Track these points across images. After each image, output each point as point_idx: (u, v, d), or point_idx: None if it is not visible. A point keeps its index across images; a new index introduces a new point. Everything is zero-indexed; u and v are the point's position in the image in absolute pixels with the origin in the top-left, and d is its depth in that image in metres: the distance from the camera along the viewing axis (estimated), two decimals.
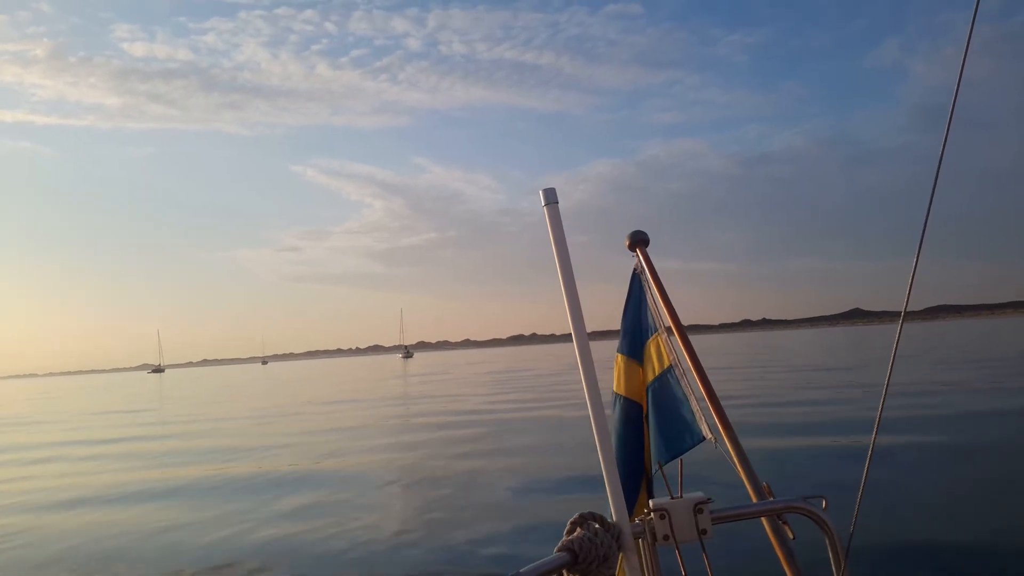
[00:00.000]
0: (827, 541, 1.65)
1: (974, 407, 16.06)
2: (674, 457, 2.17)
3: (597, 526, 1.54)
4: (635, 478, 2.39)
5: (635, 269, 2.55)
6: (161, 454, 16.75)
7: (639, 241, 2.54)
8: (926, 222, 1.57)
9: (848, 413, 16.36)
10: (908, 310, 1.56)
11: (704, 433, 2.17)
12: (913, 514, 7.67)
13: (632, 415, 2.43)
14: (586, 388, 1.65)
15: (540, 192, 1.72)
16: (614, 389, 2.53)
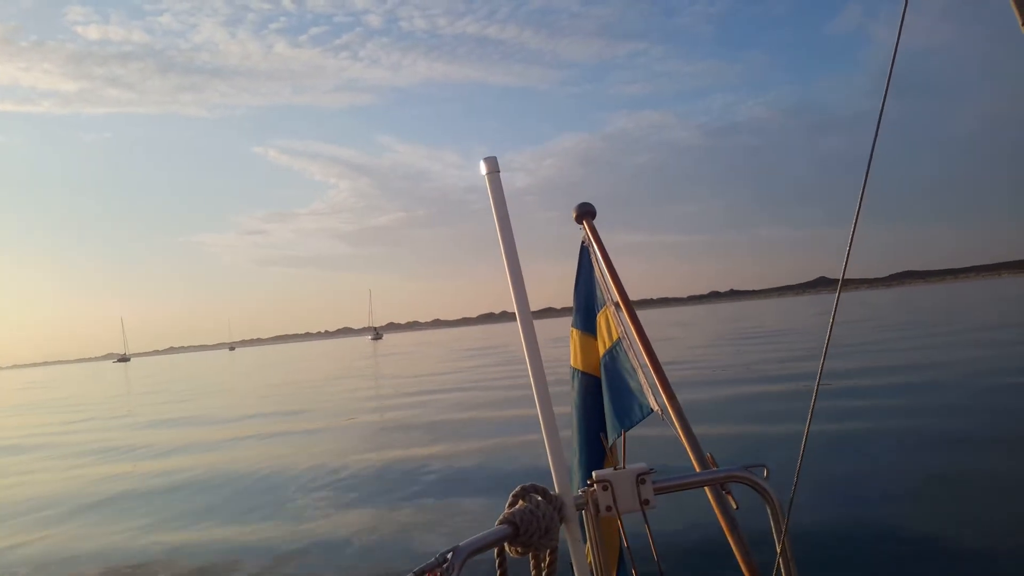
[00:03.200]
0: (768, 509, 1.66)
1: (914, 374, 16.31)
2: (626, 429, 2.19)
3: (539, 498, 1.54)
4: (598, 451, 2.40)
5: (583, 242, 2.55)
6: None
7: (586, 213, 2.54)
8: (863, 190, 1.59)
9: (793, 382, 16.59)
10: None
11: (651, 405, 2.19)
12: (853, 481, 7.71)
13: (591, 389, 2.45)
14: (528, 359, 1.66)
15: (482, 161, 1.70)
16: (571, 364, 2.53)
